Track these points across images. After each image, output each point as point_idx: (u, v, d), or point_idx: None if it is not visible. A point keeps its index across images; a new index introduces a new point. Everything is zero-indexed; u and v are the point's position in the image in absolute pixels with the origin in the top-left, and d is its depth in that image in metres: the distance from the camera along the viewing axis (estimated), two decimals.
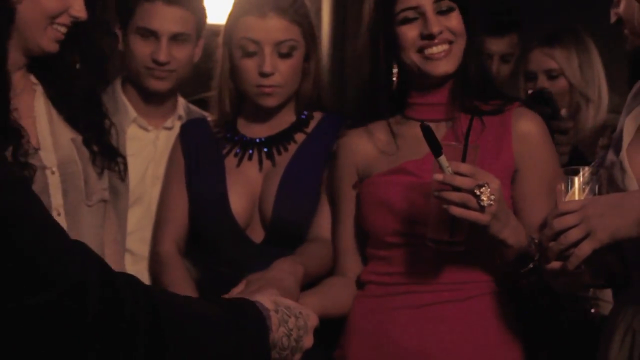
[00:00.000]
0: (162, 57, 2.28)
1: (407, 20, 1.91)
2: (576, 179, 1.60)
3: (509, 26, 3.08)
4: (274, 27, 2.12)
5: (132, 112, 2.36)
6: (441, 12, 1.89)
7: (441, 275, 1.84)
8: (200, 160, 2.22)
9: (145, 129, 2.38)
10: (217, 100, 2.23)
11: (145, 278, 2.29)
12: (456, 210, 1.65)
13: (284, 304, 1.39)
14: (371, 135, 2.00)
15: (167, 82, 2.33)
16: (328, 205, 2.10)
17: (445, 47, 1.89)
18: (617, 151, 1.64)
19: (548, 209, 1.77)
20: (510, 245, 1.72)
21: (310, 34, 2.19)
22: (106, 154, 1.95)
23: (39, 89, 1.90)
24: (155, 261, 2.23)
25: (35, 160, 1.77)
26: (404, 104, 1.98)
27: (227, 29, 2.18)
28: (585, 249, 1.48)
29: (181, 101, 2.46)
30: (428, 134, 1.66)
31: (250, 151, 2.20)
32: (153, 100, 2.38)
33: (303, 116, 2.23)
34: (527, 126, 1.91)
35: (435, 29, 1.87)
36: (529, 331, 1.88)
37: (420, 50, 1.90)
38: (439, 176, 1.66)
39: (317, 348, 2.06)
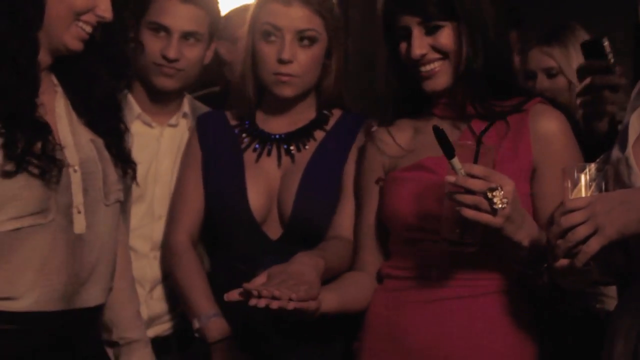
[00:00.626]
0: (171, 54, 2.22)
1: (401, 38, 1.87)
2: (582, 176, 1.54)
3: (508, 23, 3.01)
4: (297, 15, 2.08)
5: (136, 108, 2.30)
6: (429, 32, 1.83)
7: (456, 270, 1.80)
8: (218, 153, 2.17)
9: (149, 126, 2.32)
10: (239, 88, 2.18)
11: (146, 274, 2.26)
12: (468, 213, 1.60)
13: None
14: (397, 132, 1.95)
15: (174, 80, 2.27)
16: (349, 203, 2.05)
17: (432, 66, 1.85)
18: (623, 148, 1.59)
19: None
20: (525, 247, 1.67)
21: (333, 28, 2.14)
22: (121, 158, 1.91)
23: (60, 90, 1.86)
24: (168, 252, 2.19)
25: (61, 157, 1.74)
26: (429, 101, 1.93)
27: (252, 15, 2.14)
28: (594, 245, 1.43)
29: (187, 97, 2.39)
30: (440, 136, 1.61)
31: (269, 146, 2.16)
32: (159, 98, 2.32)
33: (323, 113, 2.18)
34: (546, 125, 1.84)
35: (416, 52, 1.82)
36: (544, 330, 1.83)
37: (414, 67, 1.86)
38: (451, 178, 1.62)
39: (338, 340, 2.06)
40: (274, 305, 1.64)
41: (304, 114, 2.18)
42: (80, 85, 1.87)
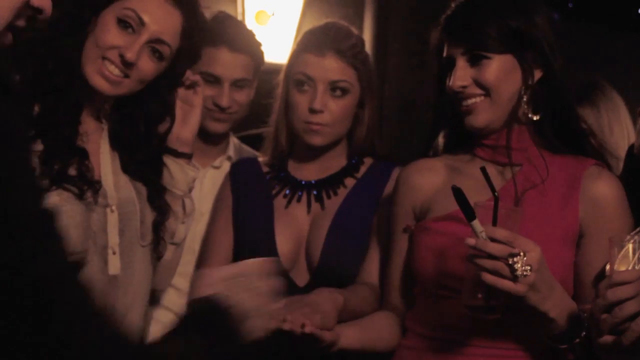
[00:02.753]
0: (224, 102, 2.16)
1: (447, 68, 1.66)
2: (630, 245, 1.36)
3: None
4: (330, 67, 1.98)
5: None
6: (473, 62, 1.61)
7: (479, 335, 1.57)
8: (249, 198, 2.05)
9: (194, 167, 2.20)
10: (273, 135, 2.07)
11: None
12: (488, 278, 1.41)
13: None
14: (433, 172, 1.73)
15: (226, 124, 2.21)
16: (378, 251, 1.87)
17: (473, 100, 1.62)
18: None
19: None
20: (552, 319, 1.45)
21: (367, 80, 2.02)
22: (162, 210, 1.81)
23: (106, 129, 1.76)
24: None
25: (101, 198, 1.68)
26: (472, 140, 1.71)
27: (288, 65, 2.04)
28: None
29: (233, 141, 2.30)
30: (459, 197, 1.41)
31: (300, 193, 2.03)
32: (208, 140, 2.23)
33: (354, 161, 2.05)
34: (600, 189, 1.61)
35: (456, 83, 1.61)
36: None
37: (456, 101, 1.65)
38: (471, 241, 1.42)
39: None
40: (285, 327, 1.55)
41: (335, 161, 2.06)
42: (128, 135, 1.79)
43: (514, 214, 1.48)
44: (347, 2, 4.54)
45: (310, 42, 2.00)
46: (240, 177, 2.09)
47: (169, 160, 1.84)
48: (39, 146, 1.62)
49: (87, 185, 1.64)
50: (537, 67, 1.65)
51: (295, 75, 1.99)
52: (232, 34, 2.20)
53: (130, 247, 1.72)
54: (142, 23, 1.68)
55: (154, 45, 1.70)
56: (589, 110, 2.48)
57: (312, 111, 1.96)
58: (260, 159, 2.13)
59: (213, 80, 2.16)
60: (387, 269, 1.81)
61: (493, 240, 1.40)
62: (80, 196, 1.63)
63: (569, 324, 1.47)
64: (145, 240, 1.75)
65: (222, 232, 2.06)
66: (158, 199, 1.79)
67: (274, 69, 2.19)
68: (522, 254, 1.40)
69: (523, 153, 1.66)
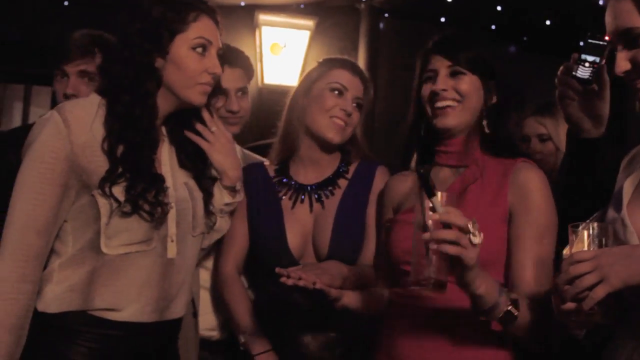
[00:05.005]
0: (235, 107, 2.20)
1: (428, 80, 1.76)
2: (585, 232, 1.39)
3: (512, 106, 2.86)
4: (357, 86, 2.07)
5: None
6: (452, 75, 1.73)
7: (442, 300, 1.55)
8: (259, 200, 2.05)
9: (233, 196, 2.23)
10: (281, 141, 2.09)
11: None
12: (450, 249, 1.36)
13: None
14: (407, 180, 1.83)
15: (238, 126, 2.24)
16: (372, 240, 1.94)
17: (448, 102, 1.72)
18: (618, 209, 1.45)
19: (536, 251, 1.61)
20: (481, 295, 1.46)
21: (365, 108, 2.10)
22: (209, 211, 1.84)
23: (167, 140, 1.78)
24: (219, 280, 2.06)
25: (167, 201, 1.69)
26: (435, 152, 1.80)
27: (314, 78, 2.07)
28: (600, 292, 1.29)
29: (237, 147, 2.30)
30: (422, 178, 1.40)
31: (303, 196, 2.05)
32: None
33: (343, 164, 2.08)
34: (524, 177, 1.68)
35: (439, 86, 1.71)
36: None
37: (432, 104, 1.74)
38: (435, 216, 1.37)
39: (353, 355, 1.90)
40: (300, 283, 1.62)
41: (329, 166, 2.08)
42: (184, 141, 1.81)
43: (454, 197, 1.45)
44: (344, 36, 4.58)
45: (346, 64, 2.09)
46: (251, 180, 2.06)
47: (216, 185, 1.86)
48: (123, 180, 1.62)
49: (160, 207, 1.65)
50: (495, 94, 1.77)
51: (333, 84, 2.04)
52: (229, 55, 2.22)
53: (184, 237, 1.74)
54: (210, 43, 1.71)
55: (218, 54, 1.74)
56: (549, 120, 2.60)
57: (345, 112, 2.02)
58: (266, 164, 2.14)
59: (222, 93, 2.19)
60: (376, 256, 1.91)
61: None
62: (152, 216, 1.63)
63: (494, 300, 1.48)
64: (195, 231, 1.78)
65: (238, 227, 2.04)
66: (205, 182, 1.81)
67: (285, 90, 2.21)
68: (474, 223, 1.39)
69: (471, 156, 1.75)
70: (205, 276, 2.12)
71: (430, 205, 1.38)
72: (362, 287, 1.83)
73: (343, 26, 4.54)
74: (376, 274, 1.87)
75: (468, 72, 1.74)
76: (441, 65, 1.75)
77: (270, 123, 2.29)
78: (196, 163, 1.80)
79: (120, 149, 1.64)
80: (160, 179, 1.68)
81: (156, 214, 1.64)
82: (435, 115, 1.75)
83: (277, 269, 1.66)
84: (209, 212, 1.82)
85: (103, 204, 1.61)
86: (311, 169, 2.08)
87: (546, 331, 1.57)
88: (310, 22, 4.34)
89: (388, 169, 2.08)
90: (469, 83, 1.74)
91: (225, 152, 1.84)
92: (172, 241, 1.70)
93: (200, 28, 1.69)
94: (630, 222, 1.41)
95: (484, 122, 1.76)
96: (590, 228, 1.41)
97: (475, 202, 1.68)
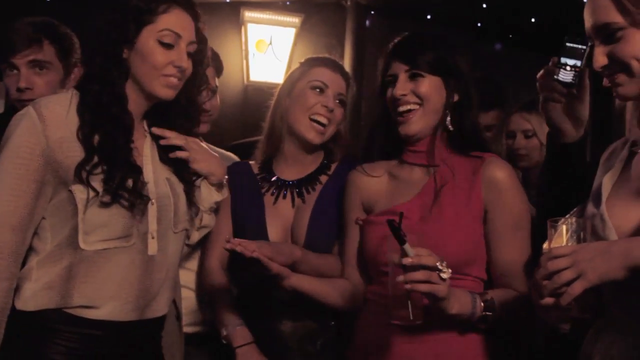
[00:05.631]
0: (206, 106, 2.21)
1: (389, 84, 1.77)
2: (563, 227, 1.40)
3: (494, 103, 2.79)
4: (339, 82, 2.06)
5: None
6: (412, 78, 1.74)
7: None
8: (243, 196, 2.07)
9: (221, 193, 2.22)
10: (266, 138, 2.09)
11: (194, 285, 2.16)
12: (423, 287, 1.47)
13: None
14: (372, 175, 1.84)
15: (207, 125, 2.27)
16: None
17: (409, 106, 1.73)
18: (597, 204, 1.45)
19: (514, 244, 1.64)
20: (455, 314, 1.58)
21: (350, 99, 2.11)
22: (193, 203, 1.82)
23: (149, 136, 1.76)
24: (203, 274, 2.07)
25: (147, 193, 1.68)
26: (402, 149, 1.82)
27: (295, 78, 2.07)
28: (577, 288, 1.29)
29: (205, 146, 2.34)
30: (393, 228, 1.48)
31: (285, 192, 2.06)
32: None
33: (325, 161, 2.10)
34: (494, 172, 1.71)
35: (398, 92, 1.73)
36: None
37: (394, 109, 1.75)
38: (407, 260, 1.47)
39: (334, 346, 1.91)
40: (238, 249, 1.68)
41: (311, 163, 2.09)
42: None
43: (420, 237, 1.53)
44: (330, 33, 4.57)
45: (327, 62, 2.08)
46: (236, 177, 2.07)
47: (203, 182, 1.85)
48: (100, 169, 1.60)
49: (139, 199, 1.64)
50: (456, 92, 1.79)
51: (314, 81, 2.04)
52: None
53: (165, 233, 1.72)
54: (179, 36, 1.68)
55: (189, 48, 1.71)
56: (534, 116, 2.61)
57: (327, 109, 2.01)
58: (251, 162, 2.15)
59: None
60: (344, 248, 1.91)
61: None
62: (131, 207, 1.62)
63: (469, 312, 1.59)
64: (177, 227, 1.76)
65: (222, 223, 2.03)
66: (187, 177, 1.80)
67: (271, 88, 2.21)
68: (442, 260, 1.49)
69: (439, 155, 1.77)
70: (187, 277, 2.11)
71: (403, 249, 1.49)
72: (323, 276, 1.86)
73: (329, 23, 4.54)
74: (345, 266, 1.89)
75: (427, 74, 1.75)
76: (400, 69, 1.77)
77: (255, 120, 2.31)
78: (178, 158, 1.79)
79: (95, 139, 1.62)
80: (137, 169, 1.66)
81: (136, 204, 1.62)
82: (398, 122, 1.77)
83: (225, 238, 1.71)
84: (191, 208, 1.80)
85: (80, 194, 1.59)
86: (294, 166, 2.09)
87: (529, 321, 1.62)
88: (296, 19, 4.34)
89: None
90: (428, 85, 1.75)
91: (204, 157, 1.82)
92: (152, 238, 1.68)
93: (169, 20, 1.67)
94: (608, 217, 1.42)
95: (448, 120, 1.77)
96: (569, 223, 1.42)
97: (450, 203, 1.70)
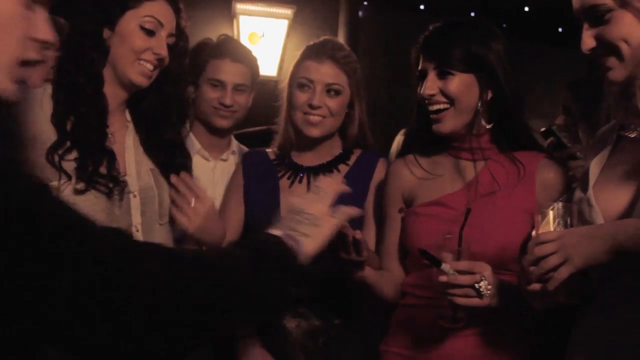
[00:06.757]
0: (228, 101, 2.20)
1: (420, 79, 1.72)
2: (551, 212, 1.40)
3: None
4: (327, 72, 1.97)
5: (197, 144, 2.24)
6: (441, 76, 1.68)
7: None
8: (258, 181, 2.05)
9: (207, 159, 2.26)
10: (282, 129, 2.06)
11: None
12: (461, 301, 1.53)
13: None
14: (414, 166, 1.79)
15: (229, 120, 2.23)
16: (372, 229, 1.92)
17: (439, 107, 1.68)
18: (584, 189, 1.45)
19: None
20: (496, 308, 1.57)
21: (356, 85, 2.02)
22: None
23: (131, 126, 1.74)
24: None
25: (124, 180, 1.65)
26: (447, 142, 1.77)
27: (291, 73, 2.04)
28: (563, 273, 1.30)
29: (234, 140, 2.34)
30: (426, 257, 1.53)
31: (301, 175, 2.03)
32: (215, 135, 2.26)
33: (345, 151, 2.06)
34: (550, 176, 1.70)
35: (426, 92, 1.67)
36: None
37: (425, 107, 1.70)
38: (443, 278, 1.51)
39: (337, 345, 1.88)
40: (344, 229, 1.55)
41: (330, 151, 2.04)
42: (152, 125, 1.77)
43: (468, 246, 1.58)
44: (323, 25, 4.54)
45: (311, 52, 2.00)
46: (251, 163, 2.09)
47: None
48: (73, 154, 1.59)
49: (115, 184, 1.61)
50: (489, 88, 1.70)
51: (299, 79, 1.99)
52: (233, 48, 2.25)
53: (150, 226, 1.70)
54: (161, 24, 1.68)
55: (168, 40, 1.70)
56: None
57: (311, 107, 1.96)
58: (268, 150, 2.12)
59: (218, 84, 2.21)
60: (384, 243, 1.85)
61: (459, 272, 1.51)
62: (109, 195, 1.60)
63: (513, 304, 1.57)
64: (162, 219, 1.74)
65: (233, 208, 2.05)
66: (173, 168, 1.77)
67: (264, 80, 2.25)
68: (482, 277, 1.50)
69: (485, 152, 1.72)
70: None
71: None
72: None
73: (322, 15, 4.52)
74: (386, 260, 1.85)
75: (457, 72, 1.67)
76: (429, 66, 1.70)
77: (250, 112, 2.31)
78: (163, 149, 1.78)
79: (69, 123, 1.61)
80: (111, 153, 1.64)
81: (113, 191, 1.61)
82: (432, 120, 1.72)
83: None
84: None
85: (52, 180, 1.55)
86: (311, 154, 2.06)
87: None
88: (288, 11, 4.32)
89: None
90: (458, 83, 1.67)
91: (205, 230, 1.76)
92: (137, 231, 1.66)
93: (153, 8, 1.67)
94: (595, 202, 1.42)
95: (483, 118, 1.70)
96: (556, 209, 1.42)
97: (501, 198, 1.68)
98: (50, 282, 0.77)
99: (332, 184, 1.36)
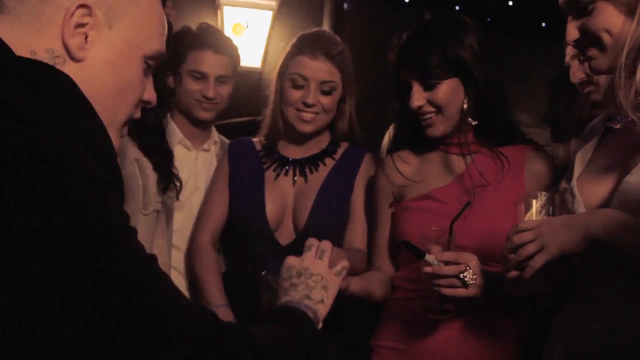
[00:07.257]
0: (210, 94, 2.17)
1: (406, 90, 1.71)
2: (534, 202, 1.42)
3: None
4: (321, 69, 1.96)
5: (179, 135, 2.22)
6: (426, 87, 1.68)
7: None
8: (243, 171, 2.05)
9: (188, 149, 2.25)
10: (270, 122, 2.05)
11: (183, 266, 2.17)
12: (447, 291, 1.53)
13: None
14: (403, 162, 1.80)
15: (212, 112, 2.21)
16: (360, 224, 1.93)
17: (429, 116, 1.69)
18: (569, 180, 1.47)
19: None
20: (481, 298, 1.56)
21: (348, 80, 2.01)
22: (167, 176, 1.81)
23: None
24: (192, 248, 2.06)
25: None
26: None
27: (283, 64, 2.01)
28: (538, 261, 1.31)
29: (214, 129, 2.33)
30: (410, 248, 1.55)
31: (287, 167, 2.03)
32: (197, 127, 2.25)
33: (332, 144, 2.06)
34: (539, 167, 1.71)
35: (414, 105, 1.67)
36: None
37: (416, 115, 1.71)
38: (428, 269, 1.53)
39: (359, 336, 1.88)
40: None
41: (318, 144, 2.05)
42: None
43: (454, 238, 1.58)
44: (308, 17, 4.54)
45: (305, 46, 1.97)
46: (237, 153, 2.08)
47: None
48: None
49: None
50: (472, 87, 1.70)
51: (291, 75, 1.97)
52: (216, 40, 2.22)
53: (134, 216, 1.70)
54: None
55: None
56: None
57: (306, 105, 1.96)
58: (255, 140, 2.11)
59: (200, 76, 2.18)
60: (375, 239, 1.86)
61: (445, 263, 1.52)
62: None
63: (501, 294, 1.54)
64: (147, 209, 1.74)
65: (217, 197, 2.04)
66: (158, 158, 1.79)
67: (248, 72, 2.24)
68: (467, 267, 1.50)
69: (472, 147, 1.73)
70: (175, 256, 2.12)
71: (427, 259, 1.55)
72: (357, 273, 1.79)
73: (307, 6, 4.50)
74: (373, 260, 1.85)
75: (440, 80, 1.68)
76: (410, 77, 1.70)
77: (233, 103, 2.30)
78: (149, 137, 1.77)
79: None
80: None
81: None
82: (422, 126, 1.73)
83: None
84: (165, 189, 1.78)
85: None
86: (297, 146, 2.06)
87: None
88: (273, 2, 4.29)
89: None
90: (444, 91, 1.68)
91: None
92: None
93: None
94: (579, 192, 1.43)
95: (469, 116, 1.71)
96: (540, 198, 1.43)
97: (492, 191, 1.69)
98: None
99: (330, 246, 1.39)
